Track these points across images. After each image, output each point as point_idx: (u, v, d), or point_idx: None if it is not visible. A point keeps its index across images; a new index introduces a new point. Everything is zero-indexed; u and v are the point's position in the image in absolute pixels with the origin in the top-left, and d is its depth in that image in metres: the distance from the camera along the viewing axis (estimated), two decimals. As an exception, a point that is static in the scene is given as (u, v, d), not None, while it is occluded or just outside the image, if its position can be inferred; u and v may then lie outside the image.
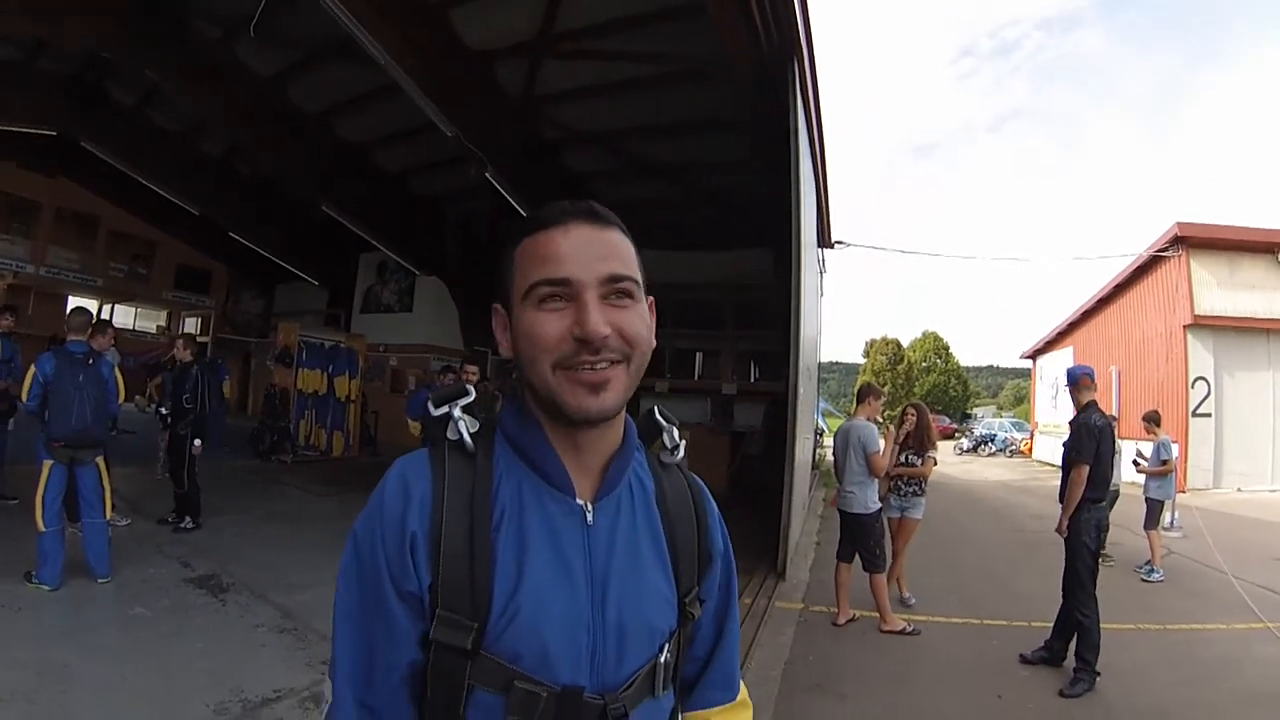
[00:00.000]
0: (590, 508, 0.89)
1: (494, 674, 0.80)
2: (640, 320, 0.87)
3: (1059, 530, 4.87)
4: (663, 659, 0.90)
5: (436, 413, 0.90)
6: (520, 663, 0.80)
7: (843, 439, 5.84)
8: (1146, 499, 8.06)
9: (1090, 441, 4.79)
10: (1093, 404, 4.98)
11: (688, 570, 0.96)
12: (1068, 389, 5.13)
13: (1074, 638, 4.72)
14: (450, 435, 0.89)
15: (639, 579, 0.90)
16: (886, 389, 53.10)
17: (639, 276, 0.88)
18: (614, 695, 0.85)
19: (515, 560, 0.83)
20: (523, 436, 0.90)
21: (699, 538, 1.00)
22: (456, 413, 0.89)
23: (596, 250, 0.85)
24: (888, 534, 6.12)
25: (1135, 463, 8.54)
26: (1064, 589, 4.84)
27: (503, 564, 0.83)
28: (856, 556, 5.74)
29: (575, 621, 0.84)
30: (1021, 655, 5.00)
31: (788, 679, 4.51)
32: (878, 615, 5.65)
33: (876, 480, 5.70)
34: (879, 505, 5.76)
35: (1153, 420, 8.52)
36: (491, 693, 0.80)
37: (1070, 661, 4.73)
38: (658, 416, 1.03)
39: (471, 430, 0.89)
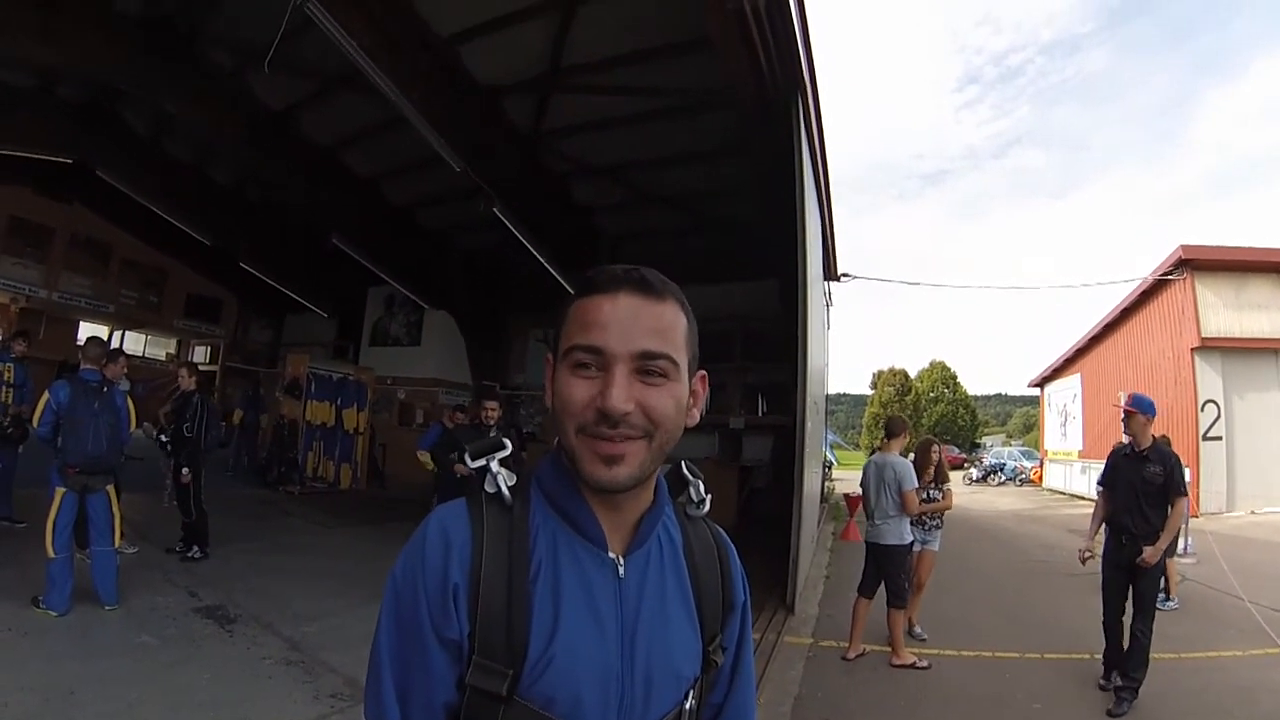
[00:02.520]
0: (622, 561, 0.92)
1: (525, 719, 0.83)
2: (670, 399, 0.87)
3: (1149, 560, 4.65)
4: (688, 705, 0.93)
5: (475, 465, 0.92)
6: (552, 709, 0.83)
7: (875, 473, 5.74)
8: None
9: (1181, 472, 4.81)
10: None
11: (712, 619, 0.99)
12: (1133, 416, 4.99)
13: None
14: (488, 488, 0.91)
15: (666, 629, 0.93)
16: (894, 419, 53.00)
17: (681, 354, 0.89)
18: None
19: (551, 611, 0.86)
20: (559, 491, 0.93)
21: (723, 587, 1.03)
22: (494, 466, 0.92)
23: (640, 324, 0.86)
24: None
25: None
26: (1137, 610, 4.75)
27: (539, 614, 0.85)
28: (877, 592, 5.70)
29: (606, 671, 0.86)
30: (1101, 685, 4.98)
31: (797, 715, 4.47)
32: (889, 649, 5.61)
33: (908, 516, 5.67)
34: (912, 538, 5.72)
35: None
36: None
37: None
38: (685, 471, 1.05)
39: (509, 484, 0.91)
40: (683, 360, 0.89)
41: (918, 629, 6.31)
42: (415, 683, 0.84)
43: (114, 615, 5.15)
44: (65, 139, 13.71)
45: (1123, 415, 5.05)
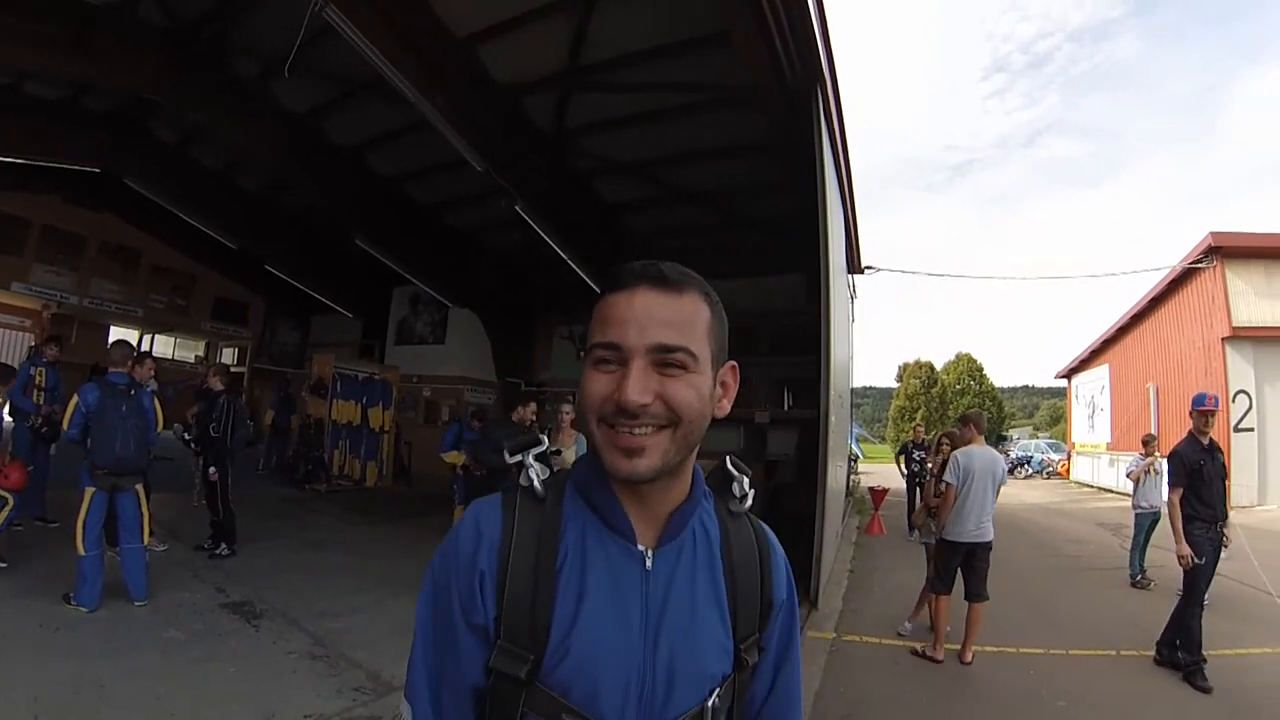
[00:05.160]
0: (650, 554, 0.93)
1: (545, 705, 0.86)
2: (691, 390, 0.88)
3: (1232, 539, 5.32)
4: (710, 703, 0.92)
5: (511, 460, 0.96)
6: (570, 697, 0.86)
7: (985, 469, 5.53)
8: None
9: None
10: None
11: (747, 618, 0.99)
12: (1212, 414, 5.32)
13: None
14: (522, 482, 0.95)
15: (694, 625, 0.93)
16: (920, 413, 52.65)
17: (702, 345, 0.90)
18: None
19: (574, 601, 0.88)
20: (590, 485, 0.95)
21: (762, 586, 1.02)
22: (529, 460, 0.95)
23: (656, 317, 0.87)
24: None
25: None
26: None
27: (562, 604, 0.88)
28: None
29: (626, 662, 0.88)
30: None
31: (817, 710, 4.45)
32: (911, 643, 5.68)
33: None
34: None
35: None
36: None
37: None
38: (729, 467, 1.06)
39: (542, 477, 0.95)
40: (704, 352, 0.90)
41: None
42: (447, 666, 0.89)
43: (143, 611, 5.26)
44: (93, 149, 13.95)
45: (1209, 415, 5.33)
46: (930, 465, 6.23)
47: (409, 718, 0.90)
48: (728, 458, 1.07)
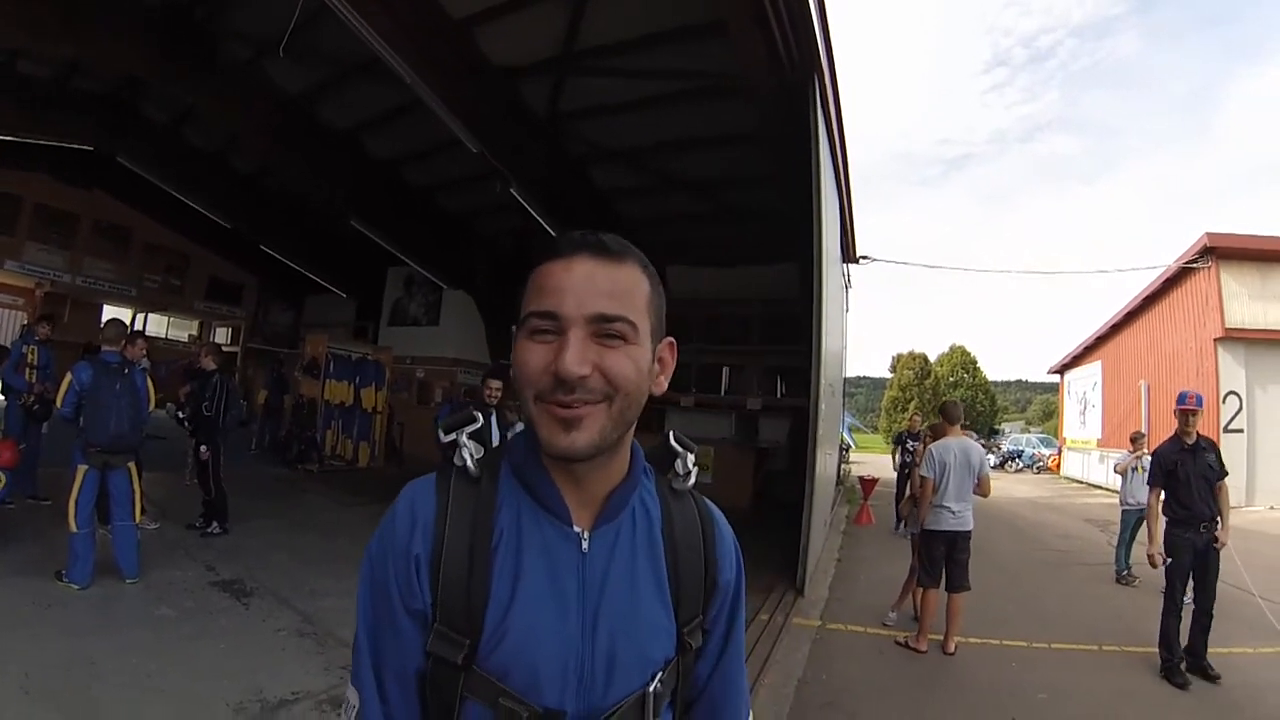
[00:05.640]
0: (587, 535, 0.91)
1: (483, 689, 0.85)
2: (629, 362, 0.85)
3: (1225, 540, 5.10)
4: (652, 688, 0.91)
5: (445, 440, 0.94)
6: (507, 681, 0.84)
7: (960, 459, 5.55)
8: None
9: None
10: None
11: (690, 600, 0.97)
12: (1199, 414, 5.37)
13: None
14: (456, 461, 0.92)
15: (634, 608, 0.91)
16: (913, 404, 52.77)
17: (641, 317, 0.87)
18: None
19: (509, 584, 0.86)
20: (525, 464, 0.92)
21: (706, 567, 0.99)
22: (463, 439, 0.93)
23: (595, 286, 0.84)
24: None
25: None
26: (1211, 592, 5.14)
27: (497, 587, 0.86)
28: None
29: (564, 646, 0.86)
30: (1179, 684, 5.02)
31: (800, 697, 4.49)
32: (895, 632, 5.70)
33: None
34: None
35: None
36: (482, 705, 0.85)
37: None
38: (673, 443, 1.03)
39: (476, 456, 0.93)
40: (643, 323, 0.87)
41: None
42: (388, 652, 0.87)
43: (134, 588, 5.28)
44: (86, 127, 13.93)
45: (1189, 414, 5.36)
46: (917, 457, 6.26)
47: (355, 703, 0.88)
48: (670, 432, 1.04)
